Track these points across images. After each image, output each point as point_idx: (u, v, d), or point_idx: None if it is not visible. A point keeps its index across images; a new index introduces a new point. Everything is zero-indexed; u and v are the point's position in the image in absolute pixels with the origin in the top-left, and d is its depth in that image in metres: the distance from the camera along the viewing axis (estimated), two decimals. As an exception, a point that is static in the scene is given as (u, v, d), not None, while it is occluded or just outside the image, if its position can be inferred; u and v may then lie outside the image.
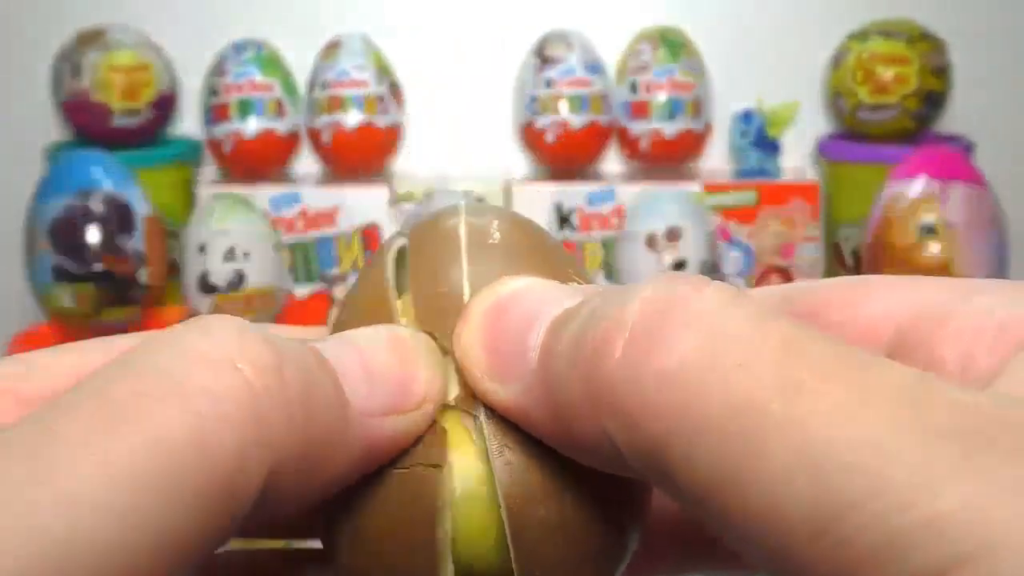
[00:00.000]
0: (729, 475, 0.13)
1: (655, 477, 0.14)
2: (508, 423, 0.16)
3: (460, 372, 0.17)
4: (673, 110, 0.82)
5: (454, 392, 0.17)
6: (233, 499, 0.14)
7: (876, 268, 0.72)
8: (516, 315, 0.16)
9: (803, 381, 0.12)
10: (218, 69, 0.83)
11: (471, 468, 0.17)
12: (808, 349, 0.13)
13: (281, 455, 0.14)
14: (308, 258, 0.83)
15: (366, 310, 0.18)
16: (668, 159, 0.84)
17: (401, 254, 0.19)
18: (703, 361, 0.13)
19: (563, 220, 0.82)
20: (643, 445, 0.13)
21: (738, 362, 0.13)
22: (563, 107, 0.81)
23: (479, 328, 0.16)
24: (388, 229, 0.83)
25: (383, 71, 0.83)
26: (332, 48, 0.83)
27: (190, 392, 0.14)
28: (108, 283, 0.71)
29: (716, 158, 0.88)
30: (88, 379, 0.14)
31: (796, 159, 0.88)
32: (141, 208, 0.72)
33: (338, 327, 0.18)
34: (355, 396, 0.16)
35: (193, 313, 0.77)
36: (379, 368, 0.16)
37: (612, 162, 0.88)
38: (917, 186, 0.71)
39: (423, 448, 0.17)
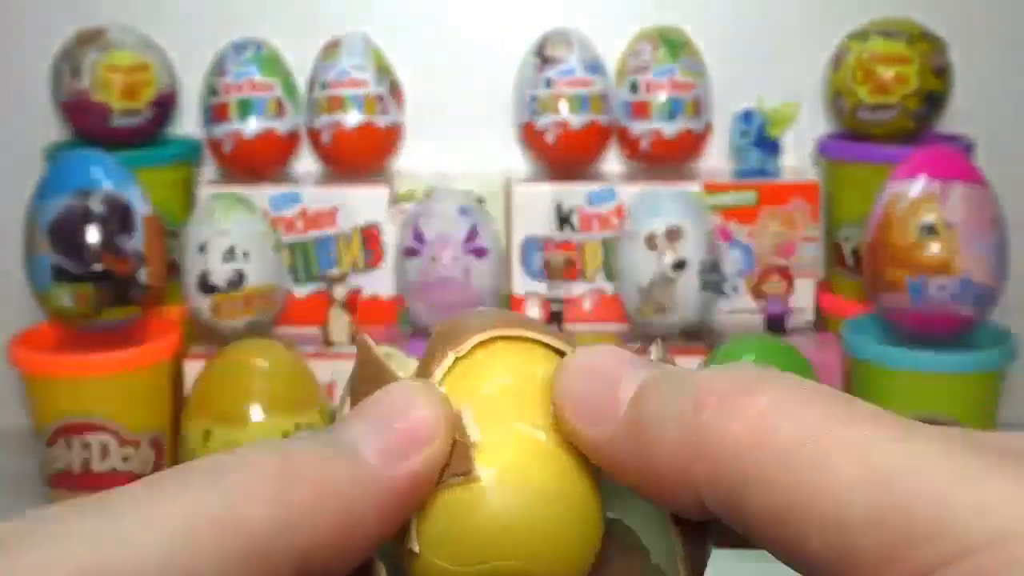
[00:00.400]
0: (803, 493, 0.15)
1: (730, 511, 0.17)
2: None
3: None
4: (673, 110, 0.82)
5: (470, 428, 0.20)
6: (270, 566, 0.16)
7: (876, 268, 0.72)
8: (606, 372, 0.19)
9: (856, 412, 0.16)
10: (218, 69, 0.82)
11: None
12: (856, 402, 0.16)
13: (309, 534, 0.17)
14: (308, 258, 0.83)
15: (368, 383, 0.20)
16: (668, 159, 0.84)
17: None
18: (776, 409, 0.16)
19: (563, 220, 0.82)
20: (725, 480, 0.17)
21: (804, 404, 0.16)
22: (563, 107, 0.81)
23: (574, 378, 0.19)
24: (388, 229, 0.83)
25: (383, 71, 0.83)
26: (332, 48, 0.83)
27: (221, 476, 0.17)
28: (108, 283, 0.71)
29: (716, 158, 0.88)
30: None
31: (796, 159, 0.88)
32: (141, 208, 0.72)
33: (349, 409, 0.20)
34: (373, 459, 0.18)
35: (192, 313, 0.77)
36: (386, 426, 0.18)
37: (612, 162, 0.88)
38: (917, 186, 0.70)
39: (450, 466, 0.19)
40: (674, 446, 0.17)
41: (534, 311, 0.82)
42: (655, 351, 0.21)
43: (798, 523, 0.15)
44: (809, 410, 0.16)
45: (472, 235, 0.77)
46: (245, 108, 0.81)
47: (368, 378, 0.21)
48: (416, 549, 0.19)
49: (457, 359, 0.21)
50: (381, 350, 0.22)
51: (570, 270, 0.83)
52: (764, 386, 0.17)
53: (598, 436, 0.19)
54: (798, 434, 0.16)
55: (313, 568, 0.17)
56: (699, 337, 0.80)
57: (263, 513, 0.16)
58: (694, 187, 0.81)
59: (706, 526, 0.20)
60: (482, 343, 0.21)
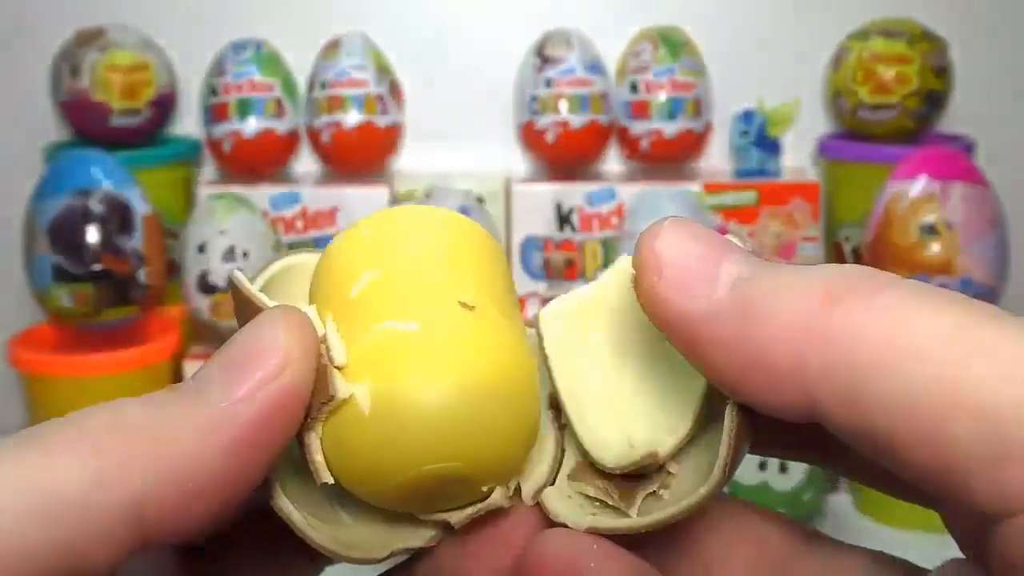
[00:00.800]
0: (947, 384, 0.15)
1: (843, 401, 0.16)
2: None
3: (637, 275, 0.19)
4: (673, 110, 0.82)
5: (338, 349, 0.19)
6: (91, 521, 0.16)
7: (877, 267, 0.72)
8: (708, 245, 0.18)
9: (987, 312, 0.16)
10: (217, 69, 0.82)
11: None
12: (981, 305, 0.17)
13: (137, 484, 0.16)
14: (308, 258, 0.83)
15: (245, 320, 0.20)
16: (668, 159, 0.84)
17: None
18: (908, 305, 0.17)
19: (563, 220, 0.82)
20: (847, 370, 0.16)
21: (935, 303, 0.16)
22: (563, 107, 0.81)
23: (670, 243, 0.19)
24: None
25: (383, 71, 0.83)
26: (332, 48, 0.83)
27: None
28: (107, 283, 0.71)
29: (716, 158, 0.88)
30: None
31: (796, 159, 0.88)
32: (140, 208, 0.72)
33: None
34: (219, 399, 0.17)
35: (192, 313, 0.77)
36: (231, 358, 0.18)
37: (612, 162, 0.88)
38: (918, 186, 0.70)
39: (315, 393, 0.18)
40: (791, 331, 0.17)
41: (534, 311, 0.82)
42: (738, 241, 0.20)
43: (940, 412, 0.16)
44: (943, 308, 0.16)
45: (472, 235, 0.77)
46: (245, 108, 0.81)
47: (245, 316, 0.20)
48: (329, 480, 0.19)
49: (320, 267, 0.20)
50: (259, 283, 0.21)
51: (570, 270, 0.83)
52: (892, 285, 0.17)
53: (693, 308, 0.18)
54: (937, 331, 0.16)
55: (156, 515, 0.17)
56: (699, 337, 0.79)
57: (77, 469, 0.16)
58: (694, 187, 0.81)
59: (755, 422, 0.19)
60: (350, 240, 0.20)
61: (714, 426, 0.20)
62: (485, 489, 0.19)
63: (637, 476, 0.20)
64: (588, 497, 0.20)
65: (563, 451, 0.21)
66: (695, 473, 0.20)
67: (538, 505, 0.20)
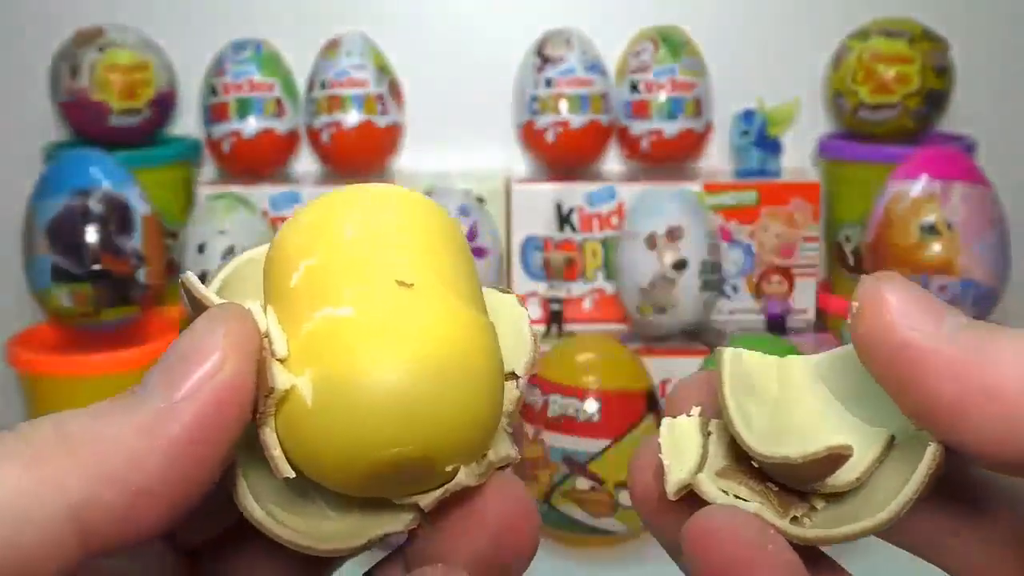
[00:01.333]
0: None
1: None
2: None
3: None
4: (674, 110, 0.82)
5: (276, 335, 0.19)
6: (30, 529, 0.16)
7: (877, 268, 0.72)
8: (929, 296, 0.19)
9: None
10: (217, 68, 0.82)
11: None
12: None
13: (79, 491, 0.16)
14: (308, 258, 0.83)
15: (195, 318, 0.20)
16: (669, 159, 0.84)
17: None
18: None
19: (563, 220, 0.82)
20: None
21: None
22: (563, 106, 0.81)
23: (894, 286, 0.19)
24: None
25: (383, 70, 0.83)
26: (331, 47, 0.83)
27: None
28: (107, 283, 0.70)
29: (716, 158, 0.88)
30: None
31: (797, 159, 0.88)
32: (140, 207, 0.72)
33: None
34: (158, 395, 0.18)
35: (192, 313, 0.77)
36: (171, 360, 0.18)
37: (612, 162, 0.88)
38: (918, 186, 0.70)
39: (259, 387, 0.18)
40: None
41: (534, 311, 0.82)
42: None
43: None
44: None
45: (472, 235, 0.77)
46: (244, 108, 0.81)
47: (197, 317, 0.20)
48: (289, 474, 0.19)
49: (266, 259, 0.20)
50: (217, 281, 0.21)
51: (570, 270, 0.83)
52: None
53: (922, 336, 0.18)
54: None
55: (100, 519, 0.17)
56: (699, 337, 0.79)
57: (15, 478, 0.16)
58: (694, 187, 0.81)
59: (944, 469, 0.19)
60: (289, 229, 0.20)
61: (879, 471, 0.20)
62: (450, 469, 0.19)
63: (788, 492, 0.21)
64: (739, 498, 0.20)
65: (707, 451, 0.21)
66: (847, 505, 0.20)
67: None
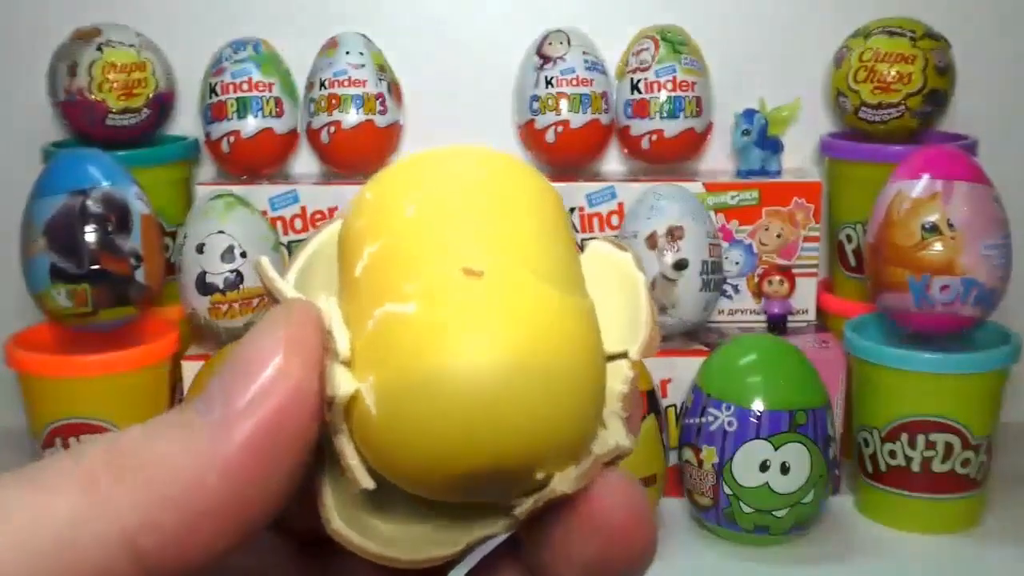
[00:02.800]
0: None
1: None
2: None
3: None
4: (674, 109, 0.81)
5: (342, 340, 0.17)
6: (75, 554, 0.15)
7: (879, 268, 0.72)
8: None
9: None
10: (216, 68, 0.82)
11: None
12: None
13: (132, 515, 0.16)
14: (307, 258, 0.82)
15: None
16: (669, 158, 0.83)
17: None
18: None
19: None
20: None
21: None
22: (564, 106, 0.81)
23: None
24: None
25: (382, 70, 0.83)
26: (331, 47, 0.83)
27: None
28: (105, 283, 0.70)
29: (717, 157, 0.88)
30: None
31: (798, 158, 0.88)
32: (139, 207, 0.72)
33: None
34: (216, 411, 0.16)
35: (191, 313, 0.76)
36: (230, 369, 0.17)
37: (613, 162, 0.88)
38: (920, 185, 0.70)
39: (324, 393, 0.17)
40: None
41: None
42: None
43: None
44: None
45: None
46: (243, 107, 0.81)
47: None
48: (369, 485, 0.17)
49: (338, 242, 0.18)
50: (300, 259, 0.19)
51: (570, 270, 0.82)
52: None
53: None
54: None
55: (155, 544, 0.16)
56: (700, 337, 0.79)
57: (67, 503, 0.16)
58: (695, 187, 0.80)
59: None
60: (355, 208, 0.18)
61: None
62: (541, 476, 0.17)
63: None
64: None
65: None
66: None
67: None
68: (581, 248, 0.20)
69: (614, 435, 0.18)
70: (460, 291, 0.16)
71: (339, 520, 0.18)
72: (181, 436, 0.16)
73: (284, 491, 0.17)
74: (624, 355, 0.18)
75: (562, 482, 0.17)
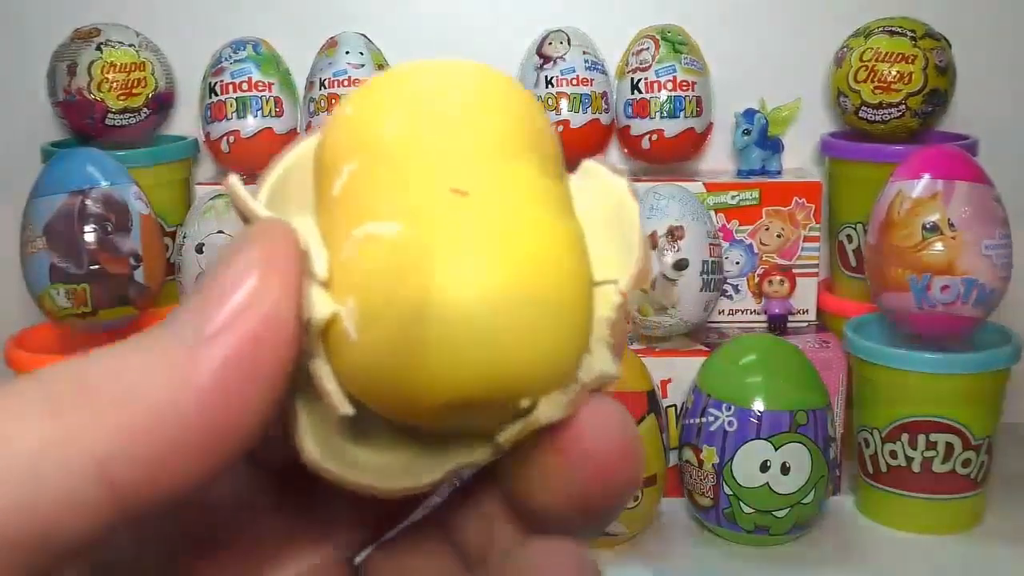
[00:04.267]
0: None
1: None
2: None
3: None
4: (674, 109, 0.81)
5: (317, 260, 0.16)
6: (43, 483, 0.15)
7: (879, 268, 0.72)
8: None
9: None
10: (216, 68, 0.82)
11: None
12: None
13: (104, 444, 0.15)
14: (307, 258, 0.82)
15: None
16: (669, 158, 0.83)
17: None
18: None
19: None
20: None
21: None
22: (564, 106, 0.81)
23: None
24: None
25: (382, 70, 0.83)
26: (331, 47, 0.83)
27: None
28: (105, 283, 0.70)
29: (717, 157, 0.88)
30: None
31: (798, 158, 0.88)
32: (138, 207, 0.72)
33: None
34: (188, 334, 0.16)
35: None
36: (203, 291, 0.16)
37: (613, 161, 0.88)
38: (920, 185, 0.70)
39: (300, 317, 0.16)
40: None
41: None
42: None
43: None
44: None
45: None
46: (243, 107, 0.81)
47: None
48: (348, 410, 0.16)
49: (314, 159, 0.17)
50: (271, 178, 0.18)
51: (570, 270, 0.82)
52: None
53: None
54: None
55: (128, 475, 0.15)
56: (700, 337, 0.79)
57: (33, 429, 0.15)
58: (695, 187, 0.80)
59: None
60: (334, 123, 0.17)
61: None
62: (526, 403, 0.16)
63: None
64: None
65: None
66: None
67: None
68: (573, 168, 0.19)
69: (600, 361, 0.17)
70: (447, 211, 0.16)
71: (314, 447, 0.17)
72: (151, 361, 0.16)
73: (260, 419, 0.16)
74: (613, 282, 0.18)
75: (548, 409, 0.17)
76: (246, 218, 0.17)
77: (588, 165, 0.19)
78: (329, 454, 0.17)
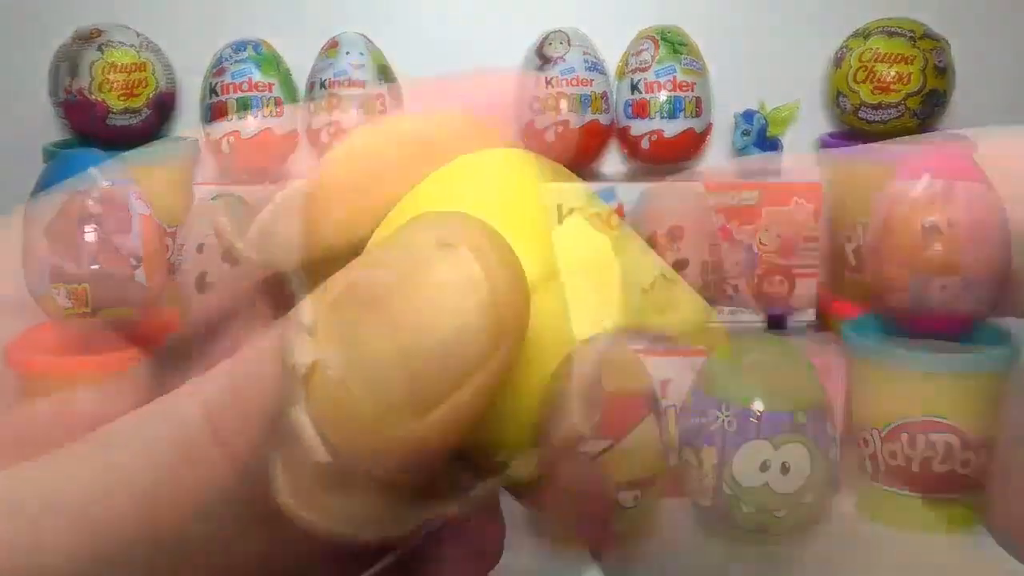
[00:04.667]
0: None
1: None
2: None
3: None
4: (674, 109, 0.81)
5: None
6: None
7: (879, 268, 0.72)
8: None
9: None
10: (216, 68, 0.82)
11: None
12: None
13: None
14: (307, 258, 0.82)
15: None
16: (669, 159, 0.83)
17: None
18: None
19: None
20: None
21: None
22: (563, 106, 0.81)
23: None
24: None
25: (382, 71, 0.83)
26: (331, 48, 0.83)
27: None
28: (104, 283, 0.70)
29: (717, 157, 0.88)
30: None
31: (798, 159, 0.88)
32: (138, 207, 0.72)
33: None
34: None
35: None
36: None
37: (612, 162, 0.88)
38: (920, 185, 0.70)
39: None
40: None
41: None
42: None
43: None
44: None
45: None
46: (244, 107, 0.81)
47: None
48: (324, 459, 0.16)
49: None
50: (255, 226, 0.19)
51: (570, 270, 0.82)
52: None
53: None
54: None
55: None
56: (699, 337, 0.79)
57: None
58: (695, 187, 0.80)
59: None
60: None
61: None
62: (500, 459, 0.17)
63: None
64: None
65: None
66: None
67: None
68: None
69: (572, 419, 0.17)
70: (432, 265, 0.16)
71: (288, 493, 0.17)
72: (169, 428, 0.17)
73: (246, 465, 0.16)
74: (588, 340, 0.18)
75: (520, 467, 0.17)
76: (232, 256, 0.18)
77: (573, 221, 0.20)
78: (304, 501, 0.17)
